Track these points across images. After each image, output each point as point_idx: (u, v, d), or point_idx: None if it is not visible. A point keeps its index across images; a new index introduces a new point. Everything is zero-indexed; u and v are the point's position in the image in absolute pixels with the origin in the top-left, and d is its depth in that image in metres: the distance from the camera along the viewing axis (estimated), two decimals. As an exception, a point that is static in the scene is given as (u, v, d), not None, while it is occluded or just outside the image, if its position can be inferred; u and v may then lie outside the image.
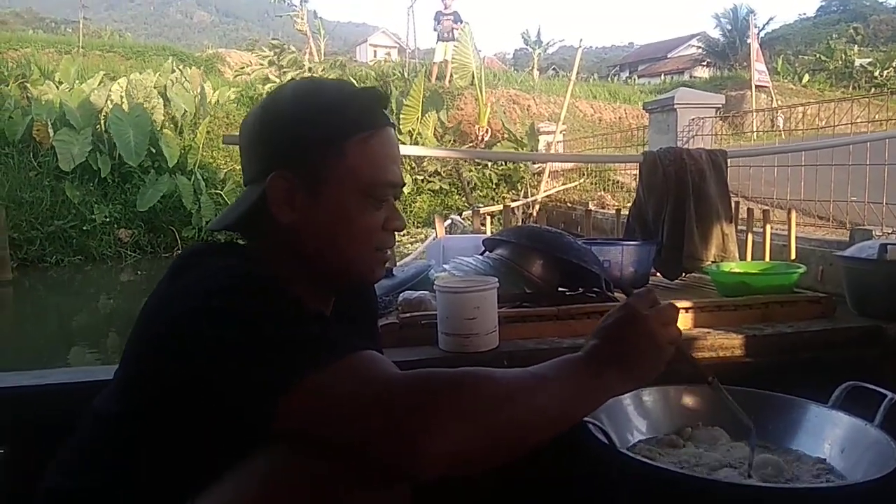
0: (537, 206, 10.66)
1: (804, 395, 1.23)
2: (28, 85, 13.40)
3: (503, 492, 1.25)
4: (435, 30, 16.92)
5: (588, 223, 4.43)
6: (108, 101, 12.30)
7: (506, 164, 12.88)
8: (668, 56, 42.13)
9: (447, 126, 14.47)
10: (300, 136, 0.93)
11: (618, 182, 10.88)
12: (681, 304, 1.63)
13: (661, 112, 7.65)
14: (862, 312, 1.71)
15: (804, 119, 8.93)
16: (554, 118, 13.92)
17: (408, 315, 1.54)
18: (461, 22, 16.31)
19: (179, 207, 11.55)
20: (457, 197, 12.86)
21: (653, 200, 2.17)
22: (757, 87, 14.58)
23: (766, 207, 3.86)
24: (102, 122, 12.12)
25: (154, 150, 11.89)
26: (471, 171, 12.96)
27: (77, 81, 13.40)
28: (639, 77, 33.75)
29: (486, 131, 14.08)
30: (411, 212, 12.06)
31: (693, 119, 7.22)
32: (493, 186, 12.88)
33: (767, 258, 2.83)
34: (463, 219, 7.98)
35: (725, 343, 1.55)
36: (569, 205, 10.44)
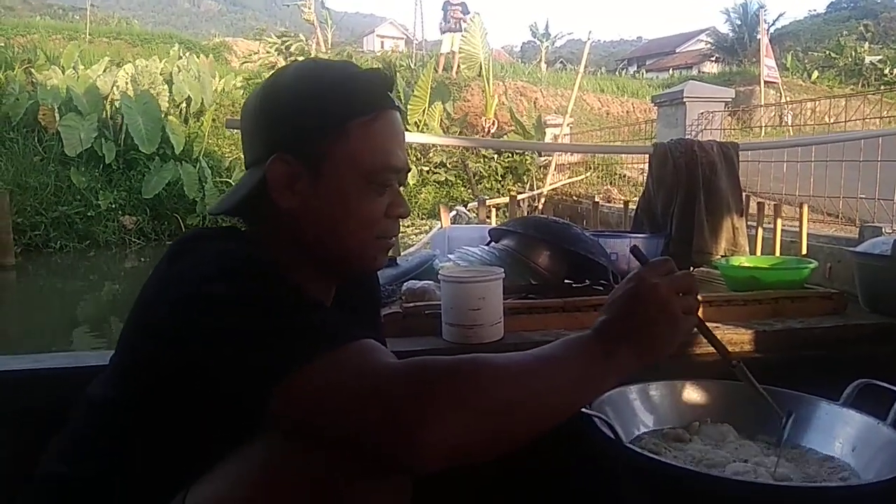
0: (542, 199, 10.64)
1: (814, 393, 1.20)
2: (33, 70, 13.39)
3: (505, 484, 1.24)
4: (441, 23, 16.85)
5: (595, 216, 4.40)
6: (115, 88, 12.30)
7: (512, 156, 12.85)
8: (677, 51, 41.94)
9: (454, 117, 14.45)
10: (301, 118, 0.90)
11: (624, 176, 10.86)
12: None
13: (670, 105, 7.61)
14: (874, 309, 1.68)
15: (813, 116, 8.88)
16: (561, 111, 13.88)
17: (411, 305, 1.52)
18: (469, 13, 16.26)
19: (184, 195, 11.57)
20: (462, 188, 12.84)
21: (662, 193, 2.14)
22: (766, 82, 14.49)
23: (776, 203, 3.83)
24: (108, 108, 12.12)
25: (160, 137, 11.89)
26: (477, 162, 12.94)
27: (82, 67, 13.38)
28: (647, 71, 33.65)
29: (493, 123, 14.05)
30: (416, 203, 12.05)
31: (702, 113, 7.19)
32: (499, 178, 12.87)
33: (778, 253, 2.80)
34: (468, 210, 7.95)
35: (734, 338, 1.52)
36: (574, 198, 10.41)
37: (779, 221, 3.10)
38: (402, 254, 2.32)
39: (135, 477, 0.82)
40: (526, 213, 9.75)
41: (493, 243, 1.82)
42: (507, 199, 9.15)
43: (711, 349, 1.47)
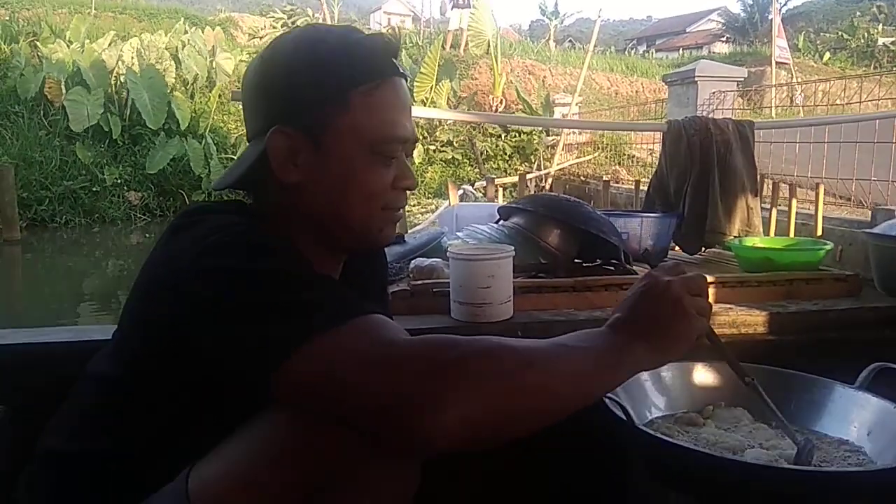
0: (550, 179, 10.59)
1: (829, 376, 1.18)
2: (38, 43, 13.33)
3: (514, 464, 1.22)
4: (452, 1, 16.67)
5: (606, 195, 4.36)
6: (120, 62, 12.24)
7: (519, 135, 12.78)
8: (687, 31, 41.54)
9: (461, 96, 14.35)
10: (301, 87, 0.86)
11: (633, 156, 10.80)
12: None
13: (682, 85, 7.54)
14: (890, 292, 1.65)
15: (825, 96, 8.78)
16: (570, 90, 13.78)
17: (419, 282, 1.49)
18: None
19: (189, 171, 11.57)
20: (469, 168, 12.79)
21: (675, 172, 2.10)
22: (777, 63, 14.34)
23: (790, 184, 3.79)
24: (114, 82, 12.08)
25: (166, 113, 11.86)
26: (484, 141, 12.87)
27: (87, 41, 13.32)
28: (656, 51, 33.36)
29: (501, 101, 13.95)
30: (422, 181, 12.01)
31: (714, 92, 7.11)
32: (507, 158, 12.80)
33: (792, 234, 2.77)
34: (475, 189, 7.92)
35: (748, 320, 1.50)
36: (582, 178, 10.37)
37: (794, 202, 3.06)
38: (409, 232, 2.30)
39: (138, 454, 0.81)
40: (532, 193, 9.72)
41: (501, 221, 1.79)
42: (514, 179, 9.13)
43: (727, 332, 1.47)
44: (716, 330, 1.01)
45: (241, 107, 0.97)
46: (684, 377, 1.22)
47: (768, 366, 1.18)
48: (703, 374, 1.22)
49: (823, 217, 3.20)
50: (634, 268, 1.68)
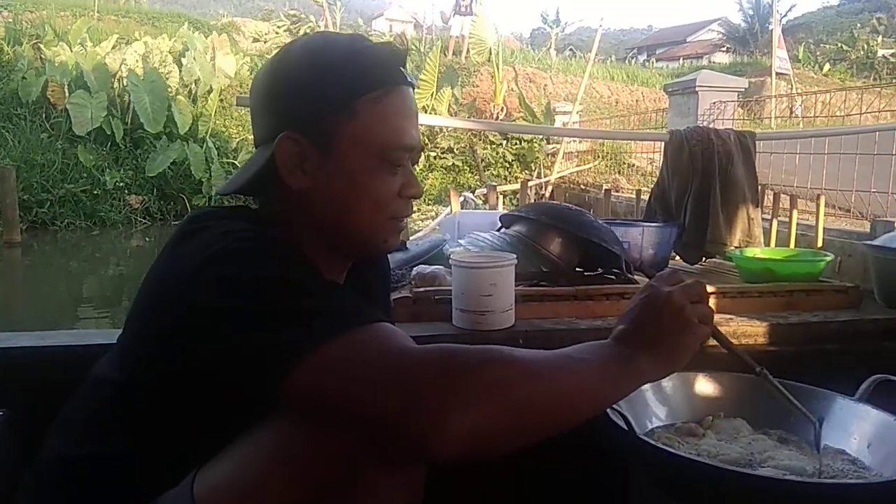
0: (550, 187, 10.60)
1: (828, 387, 1.18)
2: (42, 46, 13.34)
3: (514, 473, 1.22)
4: (447, 11, 16.70)
5: (606, 204, 4.36)
6: (123, 66, 12.26)
7: (520, 143, 12.79)
8: (688, 40, 41.63)
9: (462, 103, 14.37)
10: (309, 94, 0.87)
11: (633, 165, 10.80)
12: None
13: (682, 94, 7.55)
14: (891, 304, 1.65)
15: (825, 108, 8.80)
16: (570, 98, 13.81)
17: (421, 290, 1.50)
18: (477, -3, 16.14)
19: (190, 175, 11.58)
20: (469, 174, 12.80)
21: (677, 181, 2.11)
22: (777, 74, 14.38)
23: (791, 195, 3.79)
24: (116, 86, 12.09)
25: (167, 117, 11.87)
26: (485, 148, 12.88)
27: (90, 44, 13.34)
28: (657, 60, 33.42)
29: (502, 109, 13.96)
30: (423, 188, 12.01)
31: (714, 103, 7.13)
32: (507, 165, 12.81)
33: (793, 245, 2.77)
34: (475, 196, 7.92)
35: (748, 330, 1.50)
36: (582, 186, 10.37)
37: (794, 214, 3.06)
38: (410, 238, 2.30)
39: (143, 458, 0.81)
40: (533, 201, 9.73)
41: (503, 229, 1.80)
42: (515, 186, 9.14)
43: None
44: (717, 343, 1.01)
45: (242, 111, 0.98)
46: (686, 387, 1.22)
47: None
48: (704, 383, 1.22)
49: (824, 228, 3.20)
50: (635, 277, 1.68)
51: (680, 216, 2.12)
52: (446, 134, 12.79)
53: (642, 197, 3.93)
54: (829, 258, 1.76)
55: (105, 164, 11.41)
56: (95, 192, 11.13)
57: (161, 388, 0.80)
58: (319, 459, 0.73)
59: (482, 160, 12.76)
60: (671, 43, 42.81)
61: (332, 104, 0.87)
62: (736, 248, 2.05)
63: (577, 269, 1.72)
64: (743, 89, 7.81)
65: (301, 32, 15.78)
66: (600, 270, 1.72)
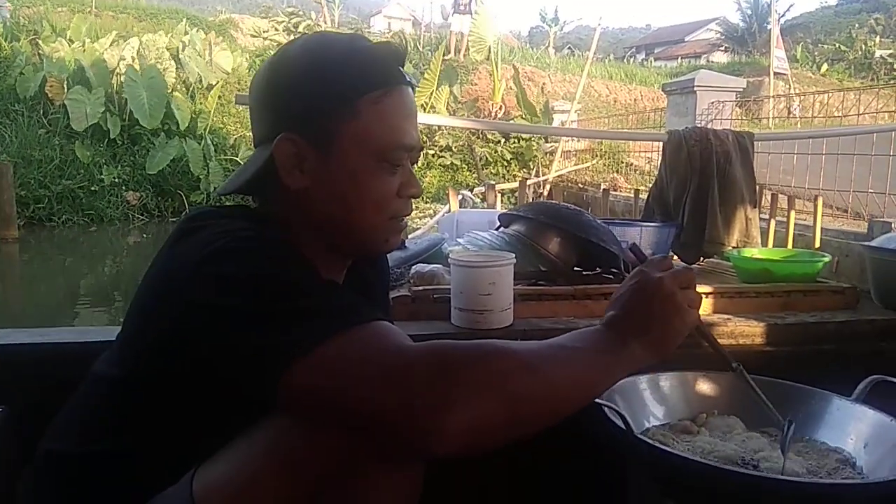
0: (548, 186, 10.60)
1: (825, 387, 1.19)
2: (39, 42, 13.30)
3: (514, 472, 1.23)
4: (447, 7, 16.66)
5: (605, 203, 4.37)
6: (121, 62, 12.23)
7: (518, 141, 12.79)
8: (686, 39, 41.64)
9: (461, 101, 14.36)
10: (308, 94, 0.87)
11: (631, 164, 10.81)
12: (700, 288, 1.57)
13: (681, 94, 7.56)
14: (888, 305, 1.66)
15: (823, 108, 8.81)
16: (569, 97, 13.80)
17: (420, 288, 1.50)
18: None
19: (188, 172, 11.56)
20: (468, 173, 12.80)
21: (675, 181, 2.12)
22: (775, 74, 14.39)
23: (788, 195, 3.80)
24: (114, 82, 12.06)
25: (165, 113, 11.85)
26: (483, 147, 12.88)
27: (88, 40, 13.30)
28: (655, 59, 33.44)
29: (501, 107, 13.96)
30: (421, 186, 12.00)
31: (713, 102, 7.14)
32: (506, 164, 12.81)
33: (790, 246, 2.78)
34: (473, 195, 7.93)
35: (746, 330, 1.51)
36: (580, 185, 10.38)
37: (792, 214, 3.07)
38: (409, 237, 2.30)
39: (142, 456, 0.81)
40: (531, 200, 9.73)
41: (502, 228, 1.80)
42: (513, 185, 9.14)
43: (725, 342, 1.48)
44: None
45: (240, 108, 0.98)
46: (682, 385, 1.22)
47: (765, 377, 1.18)
48: (701, 383, 1.23)
49: (821, 228, 3.21)
50: (632, 272, 1.69)
51: (678, 216, 2.13)
52: (445, 132, 12.79)
53: (640, 196, 3.94)
54: (826, 259, 1.76)
55: (102, 161, 11.38)
56: (93, 189, 11.11)
57: (160, 385, 0.80)
58: (318, 457, 0.74)
59: (481, 158, 12.76)
60: (669, 42, 42.81)
61: (332, 104, 0.87)
62: (733, 248, 2.06)
63: (576, 268, 1.72)
64: (741, 89, 7.82)
65: (300, 29, 15.75)
66: (598, 270, 1.72)
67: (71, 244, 10.42)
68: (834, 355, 1.51)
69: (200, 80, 13.09)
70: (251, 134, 0.97)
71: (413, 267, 1.61)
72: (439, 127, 12.62)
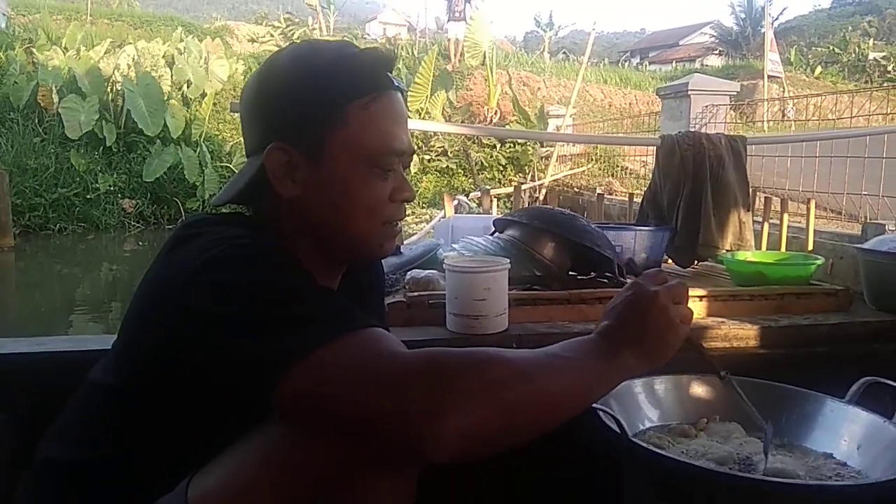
0: (544, 191, 10.61)
1: (819, 389, 1.20)
2: (34, 50, 13.29)
3: (509, 477, 1.23)
4: (449, 13, 16.67)
5: (600, 208, 4.39)
6: (116, 70, 12.22)
7: (514, 146, 12.81)
8: (680, 43, 41.78)
9: (456, 106, 14.37)
10: (297, 103, 0.87)
11: (626, 168, 10.83)
12: (694, 292, 1.60)
13: (675, 98, 7.59)
14: (880, 307, 1.67)
15: (817, 111, 8.84)
16: (564, 102, 13.83)
17: (415, 294, 1.51)
18: (469, 1, 16.14)
19: (184, 179, 11.53)
20: (463, 178, 12.81)
21: (669, 185, 2.13)
22: (769, 77, 14.45)
23: (782, 198, 3.82)
24: (109, 90, 12.05)
25: (163, 120, 11.83)
26: (479, 152, 12.89)
27: (84, 48, 13.29)
28: (650, 63, 33.53)
29: (496, 113, 13.97)
30: (417, 191, 12.01)
31: (707, 106, 7.16)
32: (501, 168, 12.83)
33: (784, 248, 2.79)
34: (469, 199, 7.93)
35: (740, 333, 1.51)
36: (576, 190, 10.39)
37: (785, 217, 3.09)
38: (404, 242, 2.31)
39: (138, 463, 0.82)
40: (527, 204, 9.73)
41: (497, 233, 1.81)
42: (509, 189, 9.14)
43: (719, 345, 1.48)
44: (707, 343, 1.03)
45: (236, 116, 0.99)
46: (676, 389, 1.23)
47: (759, 379, 1.19)
48: (696, 387, 1.23)
49: (814, 231, 3.23)
50: (628, 280, 1.69)
51: (672, 220, 2.14)
52: (440, 137, 12.80)
53: (635, 200, 3.94)
54: (819, 262, 1.78)
55: (98, 168, 11.35)
56: (88, 197, 11.08)
57: (156, 392, 0.80)
58: (313, 463, 0.74)
59: (476, 163, 12.77)
60: (664, 46, 42.96)
61: (321, 112, 0.87)
62: (727, 251, 2.07)
63: (570, 272, 1.73)
64: (735, 93, 7.85)
65: (295, 36, 15.76)
66: (593, 274, 1.73)
67: (67, 252, 10.38)
68: (827, 357, 1.52)
69: (196, 88, 13.07)
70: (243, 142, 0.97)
71: (408, 273, 1.62)
72: (435, 132, 12.63)
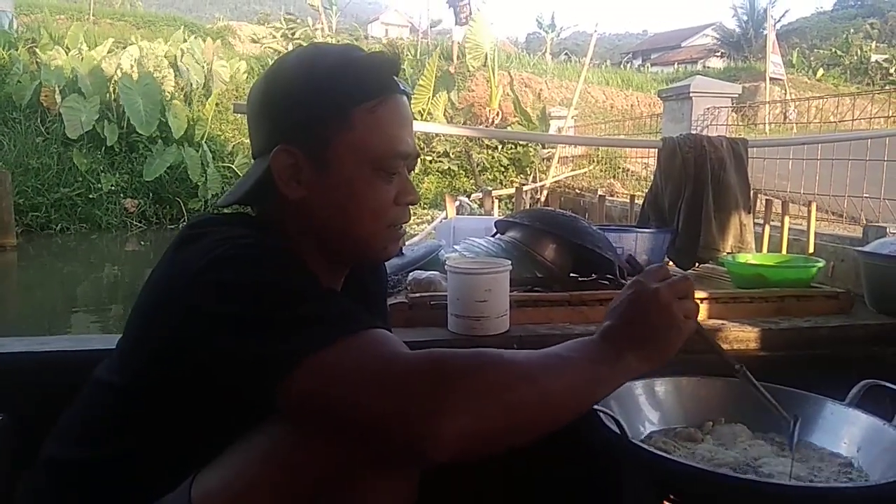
0: (545, 192, 10.62)
1: (819, 392, 1.20)
2: (37, 50, 13.31)
3: (510, 478, 1.23)
4: (455, 18, 16.63)
5: (601, 209, 4.39)
6: (118, 69, 12.23)
7: (515, 147, 12.81)
8: (682, 45, 41.80)
9: (458, 107, 14.38)
10: (303, 105, 0.88)
11: (628, 170, 10.84)
12: (695, 294, 1.59)
13: (676, 100, 7.58)
14: (881, 310, 1.67)
15: (819, 113, 8.83)
16: (565, 103, 13.84)
17: (417, 295, 1.51)
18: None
19: (186, 179, 11.54)
20: (465, 179, 12.82)
21: (670, 188, 2.13)
22: (771, 79, 14.44)
23: (783, 201, 3.82)
24: (112, 90, 12.07)
25: (163, 120, 11.84)
26: (480, 153, 12.90)
27: (86, 48, 13.31)
28: (651, 65, 33.52)
29: (497, 114, 13.98)
30: (418, 192, 12.01)
31: (708, 108, 7.15)
32: (503, 170, 12.84)
33: (784, 251, 2.80)
34: (471, 201, 7.93)
35: (740, 335, 1.51)
36: (577, 191, 10.39)
37: (786, 219, 3.09)
38: (406, 244, 2.31)
39: (142, 462, 0.82)
40: (528, 206, 9.73)
41: (498, 235, 1.81)
42: (510, 191, 9.15)
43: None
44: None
45: (238, 116, 0.99)
46: (677, 391, 1.23)
47: (760, 381, 1.19)
48: (696, 388, 1.23)
49: (815, 234, 3.23)
50: (629, 282, 1.70)
51: (673, 222, 2.14)
52: (442, 138, 12.82)
53: (636, 202, 3.95)
54: (820, 264, 1.77)
55: (100, 168, 11.37)
56: (90, 196, 11.10)
57: (160, 392, 0.81)
58: (315, 462, 0.75)
59: (478, 164, 12.78)
60: (666, 48, 42.97)
61: (327, 115, 0.88)
62: (728, 253, 2.07)
63: (572, 274, 1.73)
64: (736, 95, 7.84)
65: (297, 36, 15.77)
66: (594, 276, 1.73)
67: (69, 252, 10.40)
68: (828, 360, 1.52)
69: (198, 88, 13.09)
70: (249, 143, 0.98)
71: (410, 274, 1.62)
72: (437, 133, 12.64)
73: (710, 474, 0.94)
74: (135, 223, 11.42)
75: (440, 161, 12.85)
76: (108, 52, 12.93)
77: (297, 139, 0.88)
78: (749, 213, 2.17)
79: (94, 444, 0.84)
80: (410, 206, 0.97)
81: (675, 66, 31.87)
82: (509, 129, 13.18)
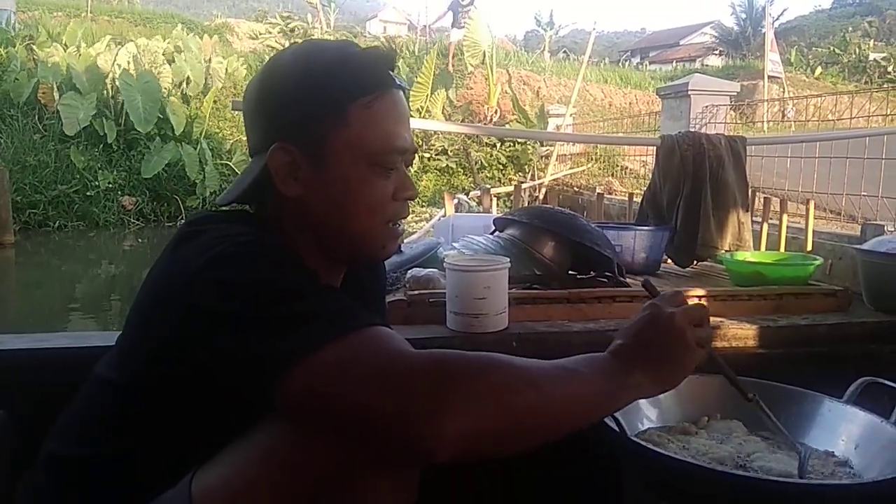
0: (544, 190, 10.61)
1: (817, 389, 1.20)
2: (35, 47, 13.27)
3: (508, 475, 1.23)
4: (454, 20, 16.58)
5: (599, 207, 4.39)
6: (116, 66, 12.20)
7: (514, 145, 12.80)
8: (681, 43, 41.78)
9: (456, 105, 14.36)
10: (299, 102, 0.88)
11: (626, 168, 10.83)
12: (693, 292, 1.60)
13: (675, 98, 7.59)
14: (879, 307, 1.68)
15: (817, 112, 8.83)
16: (564, 101, 13.83)
17: (416, 293, 1.51)
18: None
19: (184, 176, 11.52)
20: (463, 176, 12.80)
21: (668, 185, 2.14)
22: (770, 77, 14.44)
23: (781, 199, 3.82)
24: (109, 87, 12.04)
25: (161, 118, 11.82)
26: (479, 151, 12.89)
27: (84, 45, 13.28)
28: (650, 63, 33.54)
29: (496, 112, 13.97)
30: (417, 190, 11.99)
31: (707, 106, 7.16)
32: (501, 167, 12.83)
33: (783, 249, 2.80)
34: (469, 198, 7.93)
35: (739, 333, 1.52)
36: (575, 189, 10.38)
37: (784, 217, 3.09)
38: (405, 241, 2.31)
39: (141, 459, 0.82)
40: (527, 203, 9.73)
41: (497, 232, 1.81)
42: (509, 189, 9.15)
43: (718, 345, 1.49)
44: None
45: (236, 113, 0.99)
46: (677, 390, 1.22)
47: (758, 379, 1.19)
48: (695, 386, 1.23)
49: (814, 231, 3.23)
50: (627, 280, 1.70)
51: (671, 220, 2.15)
52: (440, 136, 12.80)
53: (635, 200, 3.95)
54: (817, 262, 1.78)
55: (98, 166, 11.34)
56: (88, 194, 11.07)
57: (160, 389, 0.81)
58: (314, 461, 0.75)
59: (476, 162, 12.77)
60: (664, 46, 42.95)
61: (323, 111, 0.88)
62: (726, 251, 2.07)
63: (570, 272, 1.74)
64: (735, 93, 7.85)
65: (295, 33, 15.74)
66: (593, 273, 1.73)
67: (66, 249, 10.37)
68: (826, 357, 1.53)
69: (196, 85, 13.06)
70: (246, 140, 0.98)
71: (409, 271, 1.62)
72: (435, 131, 12.64)
73: (708, 472, 0.95)
74: (133, 220, 11.39)
75: (438, 159, 12.83)
76: (106, 49, 12.90)
77: (293, 136, 0.88)
78: (747, 210, 2.17)
79: (93, 442, 0.84)
80: (409, 202, 0.97)
81: (674, 64, 31.87)
82: (508, 126, 13.16)
